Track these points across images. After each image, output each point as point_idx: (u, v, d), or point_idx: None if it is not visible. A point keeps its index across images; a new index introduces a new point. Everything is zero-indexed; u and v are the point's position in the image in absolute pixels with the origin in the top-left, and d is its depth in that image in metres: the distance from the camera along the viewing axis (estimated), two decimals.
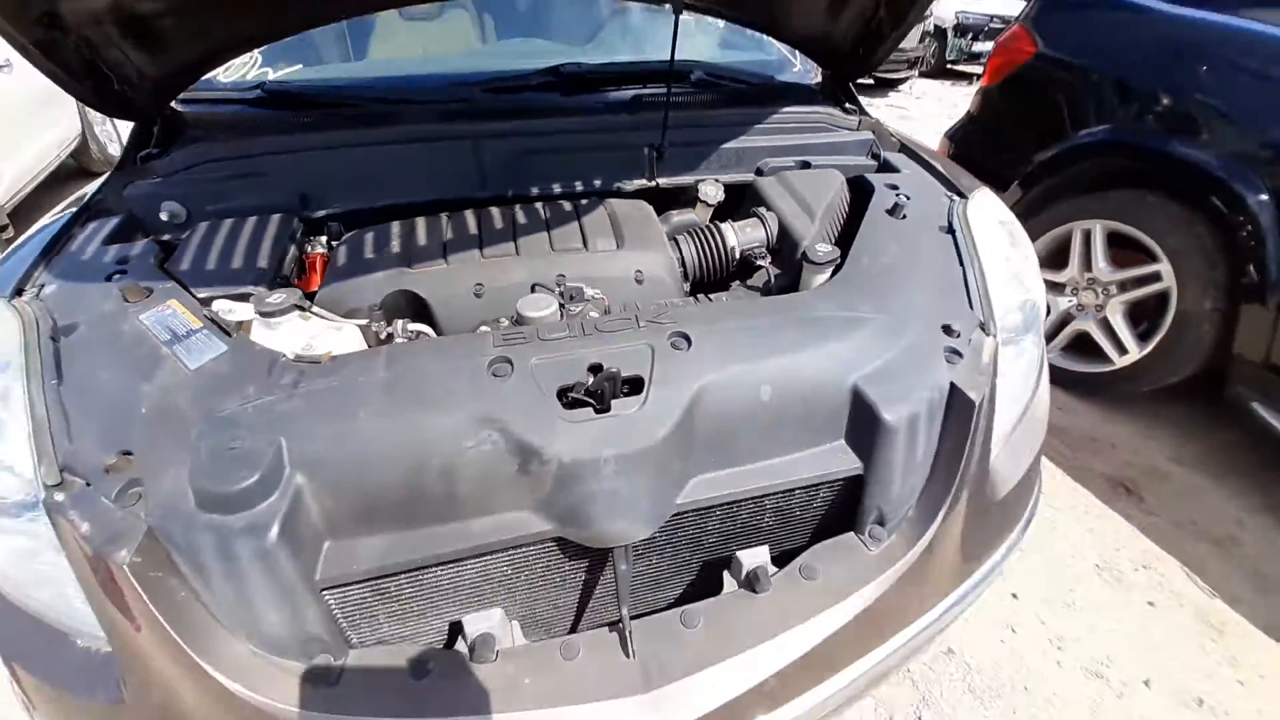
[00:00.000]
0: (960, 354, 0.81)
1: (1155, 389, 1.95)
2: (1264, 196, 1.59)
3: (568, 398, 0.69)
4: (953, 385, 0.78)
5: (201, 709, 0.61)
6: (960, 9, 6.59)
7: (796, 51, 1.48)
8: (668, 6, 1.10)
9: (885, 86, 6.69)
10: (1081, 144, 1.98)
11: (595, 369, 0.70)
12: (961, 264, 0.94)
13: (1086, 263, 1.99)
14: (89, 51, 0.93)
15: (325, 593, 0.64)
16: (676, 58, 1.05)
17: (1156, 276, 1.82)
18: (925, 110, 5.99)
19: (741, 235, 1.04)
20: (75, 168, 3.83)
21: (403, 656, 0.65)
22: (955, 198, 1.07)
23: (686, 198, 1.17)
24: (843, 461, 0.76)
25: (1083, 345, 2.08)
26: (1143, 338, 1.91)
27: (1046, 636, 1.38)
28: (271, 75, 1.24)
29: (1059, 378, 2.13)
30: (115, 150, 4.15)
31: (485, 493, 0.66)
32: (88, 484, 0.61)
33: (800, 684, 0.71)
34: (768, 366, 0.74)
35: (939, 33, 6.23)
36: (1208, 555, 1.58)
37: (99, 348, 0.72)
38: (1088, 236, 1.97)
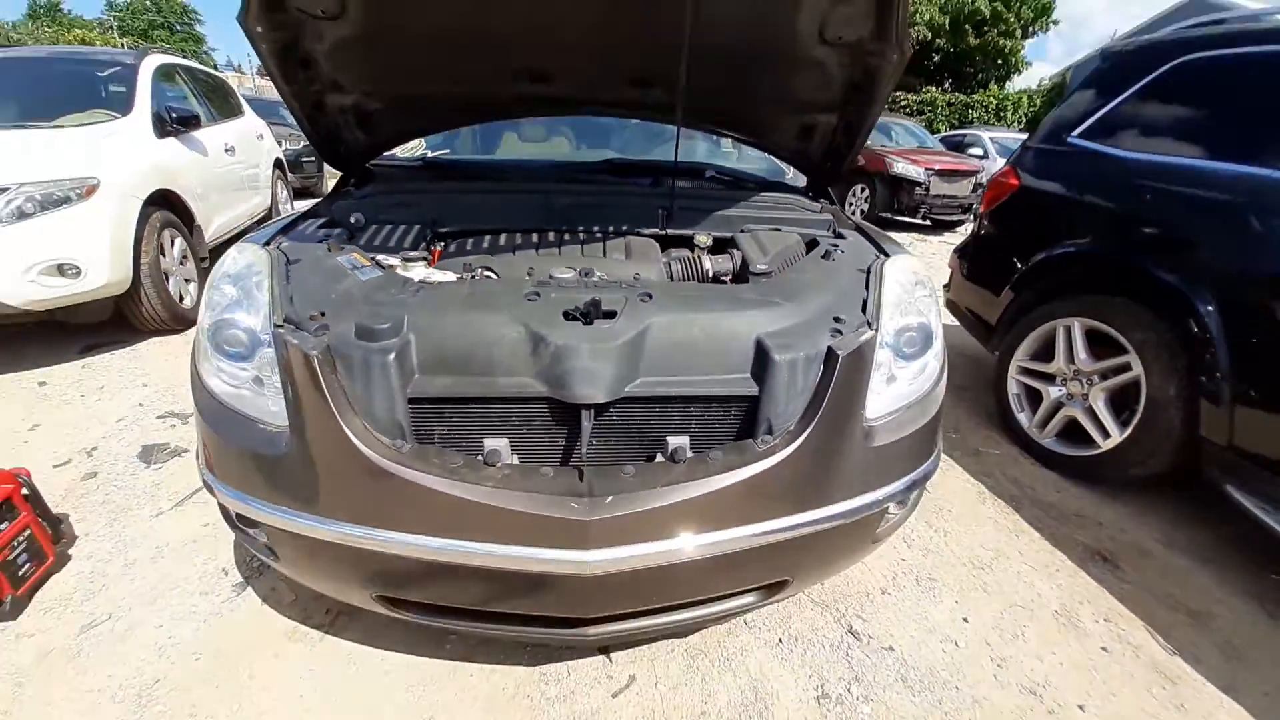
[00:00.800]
0: (840, 332, 1.16)
1: (1145, 475, 2.06)
2: (1210, 306, 1.83)
3: (568, 314, 1.12)
4: (828, 347, 1.13)
5: (331, 453, 1.02)
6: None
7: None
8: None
9: (941, 228, 7.28)
10: (1055, 255, 2.31)
11: (589, 302, 1.13)
12: (866, 289, 1.31)
13: (1070, 355, 2.23)
14: (333, 127, 1.61)
15: (410, 404, 1.07)
16: (700, 160, 1.60)
17: (1127, 366, 2.03)
18: None
19: (715, 264, 1.49)
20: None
21: (443, 453, 1.05)
22: (886, 254, 1.47)
23: (689, 244, 1.65)
24: (745, 386, 1.11)
25: (1074, 432, 2.24)
26: (1125, 424, 2.06)
27: (990, 655, 1.49)
28: (430, 154, 1.93)
29: (1053, 461, 2.27)
30: None
31: (510, 362, 1.08)
32: (297, 326, 1.11)
33: (700, 523, 1.01)
34: (700, 318, 1.14)
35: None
36: (1177, 623, 1.61)
37: (311, 269, 1.26)
38: (1069, 332, 2.23)
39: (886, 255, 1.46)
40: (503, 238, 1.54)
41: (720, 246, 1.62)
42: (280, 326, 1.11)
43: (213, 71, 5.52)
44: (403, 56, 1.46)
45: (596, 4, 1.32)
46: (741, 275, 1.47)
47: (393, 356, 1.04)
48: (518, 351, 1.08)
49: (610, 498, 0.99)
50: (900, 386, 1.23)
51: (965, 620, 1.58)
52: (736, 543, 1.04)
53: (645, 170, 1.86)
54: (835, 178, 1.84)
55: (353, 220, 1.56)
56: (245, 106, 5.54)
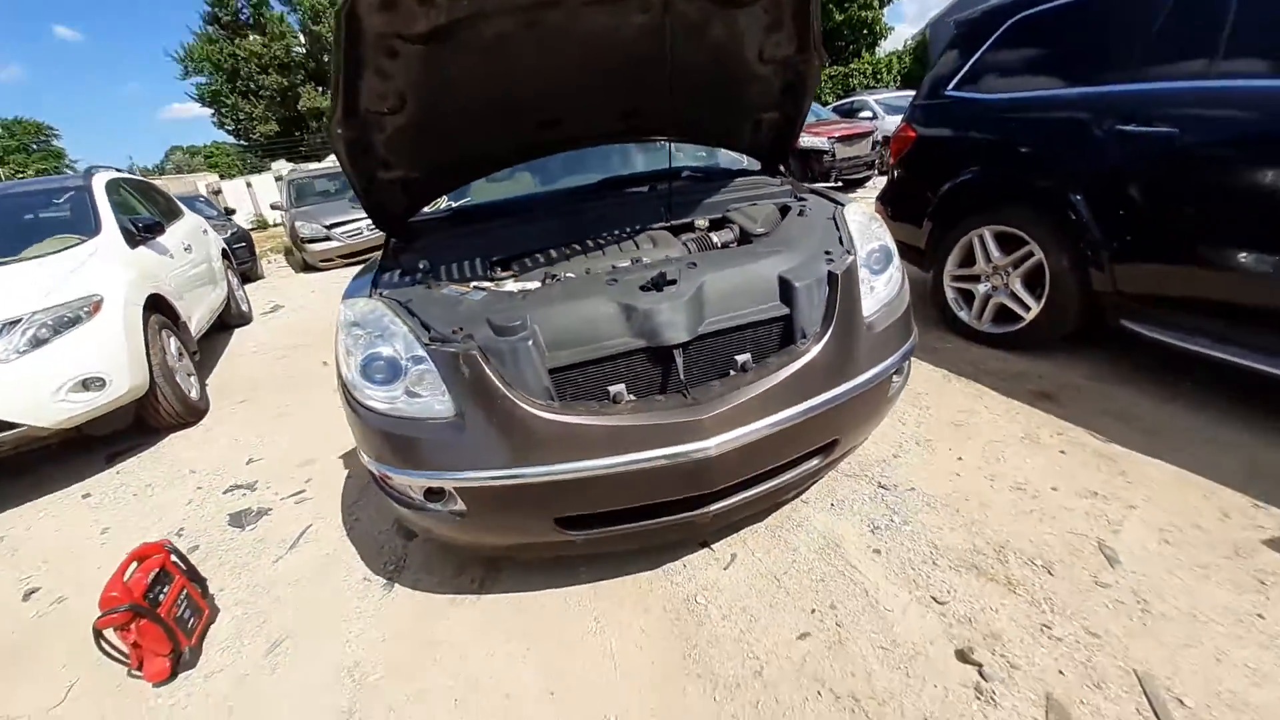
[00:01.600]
0: (832, 260, 1.61)
1: (1062, 333, 2.62)
2: (1078, 196, 2.40)
3: (643, 287, 1.51)
4: (829, 271, 1.57)
5: (507, 419, 1.36)
6: (886, 132, 8.43)
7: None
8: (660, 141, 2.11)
9: (852, 185, 8.08)
10: (957, 183, 2.88)
11: (655, 276, 1.53)
12: (837, 229, 1.77)
13: (987, 256, 2.79)
14: (383, 197, 1.93)
15: (551, 374, 1.42)
16: (675, 165, 2.01)
17: (1031, 253, 2.60)
18: None
19: (720, 236, 1.92)
20: (219, 323, 5.14)
21: (580, 402, 1.41)
22: (840, 205, 1.93)
23: (692, 228, 2.07)
24: (778, 310, 1.53)
25: (1003, 314, 2.80)
26: (1039, 298, 2.63)
27: (983, 475, 1.97)
28: (453, 205, 2.28)
29: (994, 341, 2.83)
30: (245, 308, 5.84)
31: (611, 329, 1.45)
32: (445, 341, 1.44)
33: (761, 410, 1.41)
34: (735, 270, 1.55)
35: (885, 140, 7.72)
36: (1108, 425, 2.15)
37: (427, 303, 1.59)
38: (982, 239, 2.79)
39: (841, 204, 1.93)
40: (552, 251, 1.91)
41: (718, 224, 2.05)
42: (430, 344, 1.45)
43: (144, 179, 5.59)
44: (442, 132, 1.81)
45: (594, 58, 1.73)
46: (745, 239, 1.90)
47: (530, 342, 1.40)
48: (615, 320, 1.46)
49: (710, 401, 1.38)
50: (880, 291, 1.69)
51: (960, 459, 2.06)
52: (797, 415, 1.45)
53: (634, 181, 2.28)
54: (784, 157, 2.31)
55: (422, 266, 1.88)
56: (181, 206, 5.63)
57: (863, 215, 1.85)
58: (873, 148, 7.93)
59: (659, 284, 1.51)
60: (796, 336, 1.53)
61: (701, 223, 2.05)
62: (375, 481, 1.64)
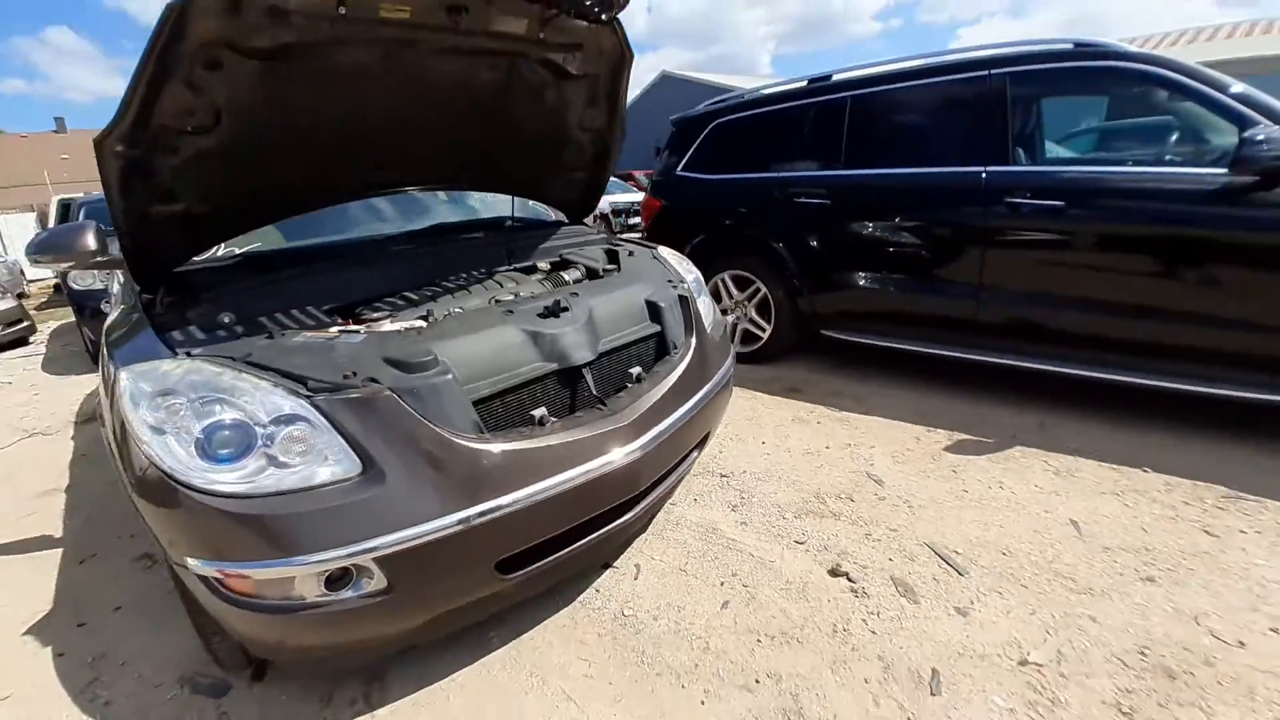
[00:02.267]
0: (675, 287, 1.95)
1: (790, 345, 3.55)
2: (781, 245, 3.35)
3: (540, 315, 1.57)
4: (680, 295, 1.90)
5: (440, 459, 1.23)
6: (612, 201, 9.91)
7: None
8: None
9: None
10: (696, 242, 3.68)
11: (550, 304, 1.60)
12: (662, 265, 2.14)
13: (729, 294, 3.61)
14: (153, 238, 1.53)
15: (474, 405, 1.35)
16: (489, 215, 2.11)
17: (759, 289, 3.49)
18: None
19: (570, 274, 2.09)
20: None
21: (510, 430, 1.38)
22: (655, 249, 2.33)
23: (537, 269, 2.18)
24: (652, 328, 1.78)
25: (748, 337, 3.64)
26: (769, 322, 3.52)
27: (782, 449, 2.54)
28: (237, 251, 1.88)
29: (744, 358, 3.63)
30: None
31: (523, 355, 1.47)
32: (334, 389, 1.24)
33: (665, 411, 1.62)
34: (613, 296, 1.75)
35: (604, 216, 9.12)
36: (837, 400, 3.02)
37: (281, 352, 1.33)
38: (723, 281, 3.61)
39: (654, 248, 2.33)
40: (410, 294, 1.77)
41: (561, 265, 2.20)
42: (313, 395, 1.23)
43: None
44: (256, 161, 1.55)
45: (441, 105, 1.75)
46: (593, 276, 2.10)
47: (450, 375, 1.32)
48: (525, 347, 1.49)
49: (625, 410, 1.53)
50: (705, 310, 2.10)
51: (762, 443, 2.61)
52: (688, 412, 1.69)
53: (467, 228, 2.28)
54: (588, 212, 2.63)
55: (224, 320, 1.52)
56: None
57: (676, 255, 2.27)
58: (594, 221, 9.27)
59: (555, 311, 1.60)
60: (670, 348, 1.80)
61: (544, 265, 2.19)
62: (219, 593, 1.22)
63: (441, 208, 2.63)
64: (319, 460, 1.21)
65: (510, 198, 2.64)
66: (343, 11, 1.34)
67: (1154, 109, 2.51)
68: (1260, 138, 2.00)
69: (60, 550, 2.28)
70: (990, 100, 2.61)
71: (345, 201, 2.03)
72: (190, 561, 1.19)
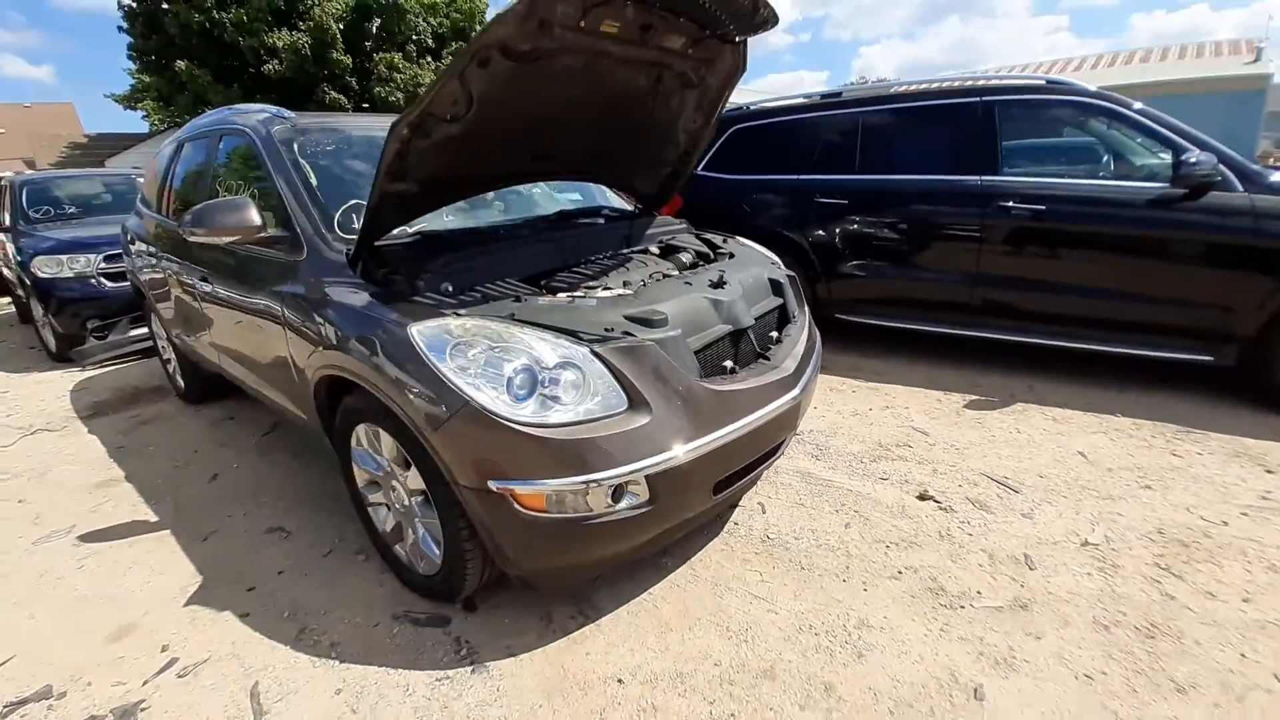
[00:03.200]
0: (780, 268, 2.31)
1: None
2: (804, 240, 3.80)
3: (711, 285, 1.87)
4: (789, 275, 2.26)
5: (689, 398, 1.50)
6: None
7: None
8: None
9: None
10: None
11: (716, 279, 1.91)
12: (758, 252, 2.49)
13: None
14: (384, 215, 1.69)
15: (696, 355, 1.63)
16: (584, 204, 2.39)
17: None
18: None
19: (686, 257, 2.39)
20: None
21: (713, 377, 1.68)
22: (736, 238, 2.67)
23: (669, 252, 2.44)
24: (777, 300, 2.13)
25: None
26: None
27: (834, 411, 2.97)
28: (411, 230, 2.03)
29: None
30: None
31: (711, 318, 1.76)
32: (603, 341, 1.48)
33: (804, 365, 1.98)
34: (749, 273, 2.08)
35: None
36: (863, 374, 3.50)
37: (538, 312, 1.55)
38: None
39: (734, 237, 2.68)
40: (581, 270, 2.00)
41: (671, 249, 2.49)
42: (591, 344, 1.47)
43: None
44: (470, 148, 1.72)
45: (598, 105, 2.00)
46: (707, 260, 2.41)
47: (680, 331, 1.61)
48: (710, 311, 1.79)
49: (784, 363, 1.87)
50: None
51: (815, 407, 3.03)
52: (816, 366, 2.07)
53: (582, 215, 2.51)
54: (664, 204, 2.93)
55: (447, 288, 1.71)
56: None
57: (756, 244, 2.63)
58: None
59: (719, 283, 1.92)
60: (790, 317, 2.16)
61: (654, 249, 2.47)
62: (511, 512, 1.43)
63: (539, 196, 2.83)
64: (595, 397, 1.46)
65: (596, 188, 2.91)
66: (582, 25, 1.59)
67: (1102, 134, 3.19)
68: (1194, 160, 2.67)
69: (166, 532, 2.27)
70: (982, 121, 3.20)
71: (503, 187, 2.22)
72: (492, 483, 1.40)
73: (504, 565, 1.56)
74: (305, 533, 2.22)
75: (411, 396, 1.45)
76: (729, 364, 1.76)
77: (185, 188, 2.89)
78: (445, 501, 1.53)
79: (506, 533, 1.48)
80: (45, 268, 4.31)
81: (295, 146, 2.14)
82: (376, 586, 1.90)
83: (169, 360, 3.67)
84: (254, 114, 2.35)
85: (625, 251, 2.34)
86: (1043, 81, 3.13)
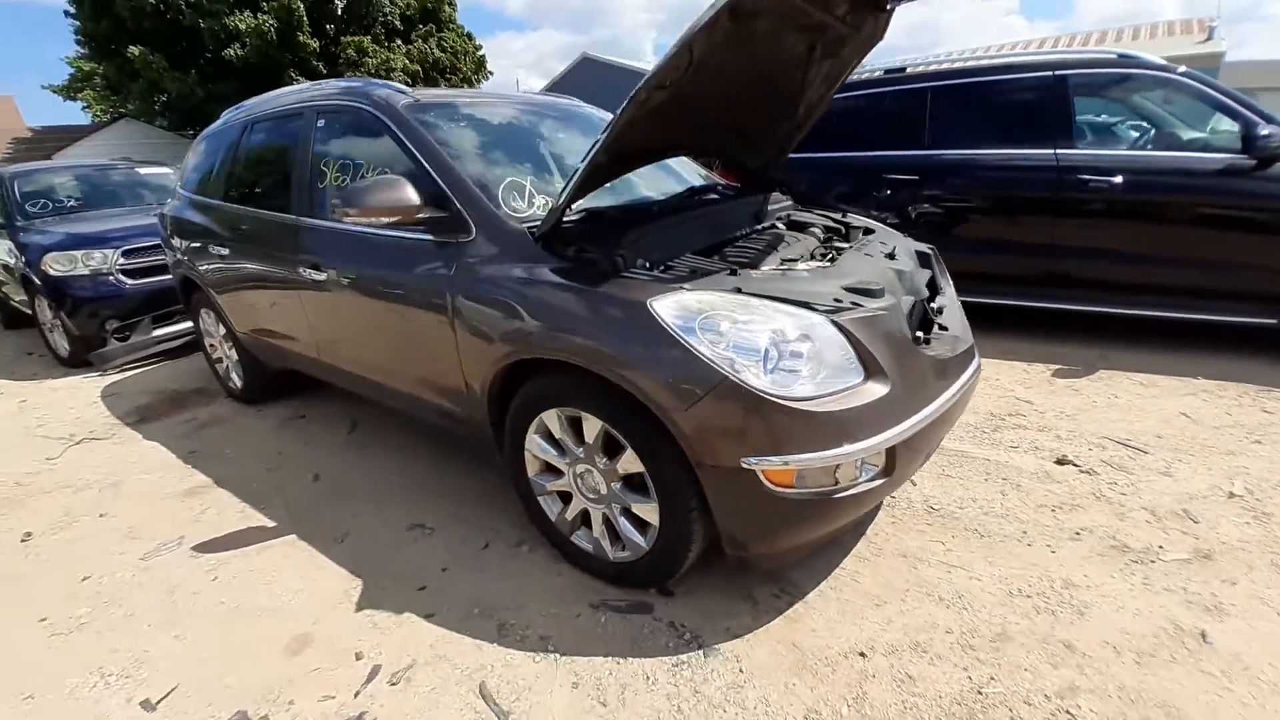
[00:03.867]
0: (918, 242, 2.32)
1: None
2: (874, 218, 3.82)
3: (888, 256, 1.86)
4: (930, 248, 2.27)
5: (912, 367, 1.49)
6: None
7: None
8: None
9: None
10: None
11: (890, 250, 1.89)
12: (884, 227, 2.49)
13: None
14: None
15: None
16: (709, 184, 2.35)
17: None
18: None
19: (820, 233, 2.37)
20: None
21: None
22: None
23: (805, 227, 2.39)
24: (927, 273, 2.14)
25: None
26: None
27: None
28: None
29: None
30: None
31: (898, 289, 1.75)
32: (835, 312, 1.46)
33: (969, 335, 2.01)
34: (905, 247, 2.08)
35: None
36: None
37: (764, 283, 1.51)
38: None
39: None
40: (746, 245, 1.95)
41: (799, 225, 2.45)
42: (834, 315, 1.44)
43: None
44: (662, 118, 1.63)
45: (766, 75, 1.94)
46: (839, 234, 2.38)
47: (895, 300, 1.59)
48: (896, 283, 1.78)
49: (962, 334, 1.88)
50: None
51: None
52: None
53: (708, 190, 2.45)
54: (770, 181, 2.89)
55: (644, 264, 1.64)
56: None
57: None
58: None
59: (892, 255, 1.91)
60: (940, 286, 2.17)
61: (780, 224, 2.44)
62: (758, 489, 1.39)
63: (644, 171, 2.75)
64: (831, 368, 1.43)
65: (680, 162, 2.84)
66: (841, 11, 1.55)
67: (1171, 106, 3.31)
68: (1267, 133, 2.79)
69: (292, 536, 2.14)
70: (1056, 94, 3.27)
71: (656, 161, 2.14)
72: (747, 460, 1.36)
73: (732, 547, 1.52)
74: (449, 528, 2.12)
75: (652, 375, 1.38)
76: (920, 334, 1.75)
77: (264, 171, 2.69)
78: (673, 483, 1.48)
79: (748, 512, 1.44)
80: (57, 265, 3.97)
81: (433, 123, 2.01)
82: (555, 576, 1.84)
83: (219, 360, 3.45)
84: (368, 89, 2.19)
85: (764, 226, 2.30)
86: (1114, 55, 3.21)
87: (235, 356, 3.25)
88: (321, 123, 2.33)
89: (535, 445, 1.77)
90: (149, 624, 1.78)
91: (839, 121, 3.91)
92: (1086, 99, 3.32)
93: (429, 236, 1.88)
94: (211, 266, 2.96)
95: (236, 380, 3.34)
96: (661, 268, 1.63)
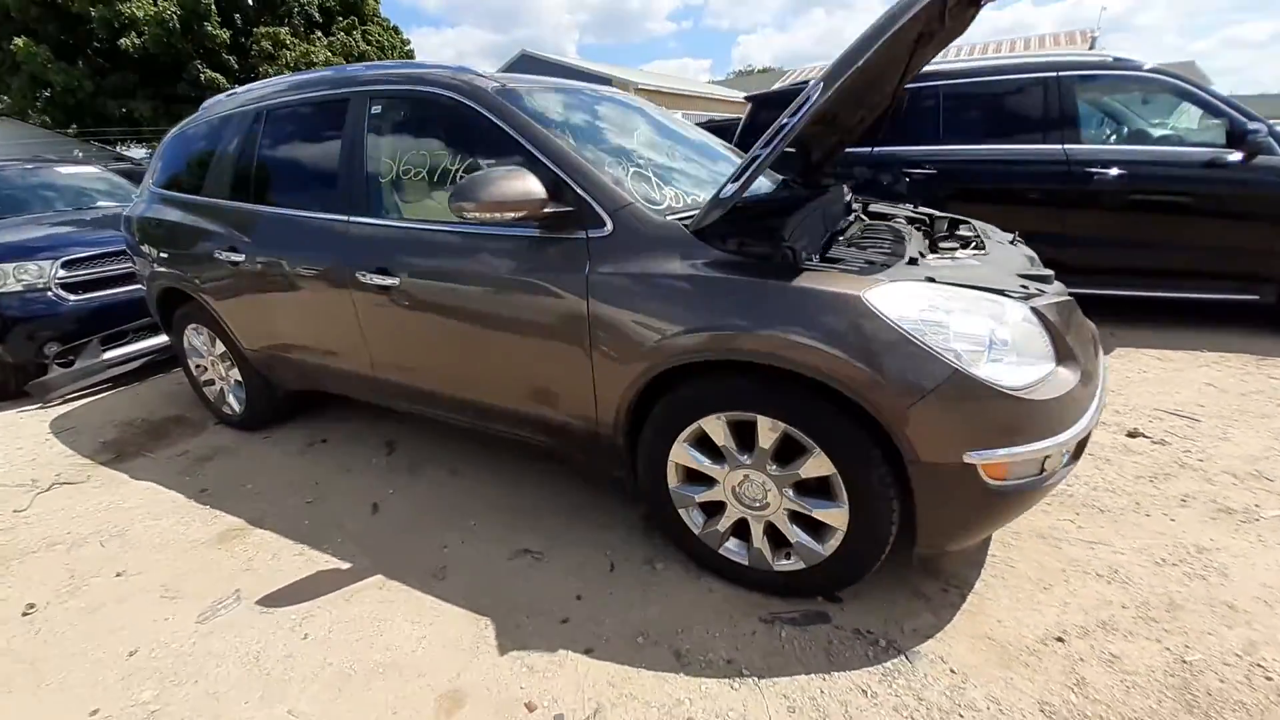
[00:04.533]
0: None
1: None
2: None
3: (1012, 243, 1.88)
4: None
5: (1084, 354, 1.50)
6: None
7: None
8: None
9: None
10: None
11: (1012, 241, 1.91)
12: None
13: None
14: None
15: None
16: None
17: None
18: None
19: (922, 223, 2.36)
20: None
21: None
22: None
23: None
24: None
25: None
26: None
27: None
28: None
29: None
30: None
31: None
32: (1027, 296, 1.43)
33: None
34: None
35: None
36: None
37: (953, 271, 1.47)
38: None
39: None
40: (872, 235, 1.90)
41: (881, 215, 2.43)
42: (1033, 302, 1.41)
43: None
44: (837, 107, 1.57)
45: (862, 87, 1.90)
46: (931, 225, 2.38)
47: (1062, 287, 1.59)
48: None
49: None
50: None
51: None
52: None
53: (792, 183, 2.38)
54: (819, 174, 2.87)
55: (812, 256, 1.55)
56: None
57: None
58: None
59: (1014, 243, 1.93)
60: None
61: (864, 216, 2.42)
62: (974, 484, 1.34)
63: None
64: (1035, 356, 1.41)
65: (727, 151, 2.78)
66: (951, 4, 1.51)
67: (1164, 105, 3.61)
68: (1254, 128, 3.10)
69: (378, 577, 1.89)
70: (1062, 93, 3.48)
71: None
72: (972, 455, 1.31)
73: (929, 545, 1.47)
74: (558, 551, 1.94)
75: (870, 370, 1.30)
76: None
77: (293, 166, 2.36)
78: (873, 484, 1.40)
79: (958, 509, 1.39)
80: None
81: (532, 108, 1.82)
82: (706, 593, 1.71)
83: (209, 383, 3.01)
84: (441, 73, 1.95)
85: (853, 217, 2.27)
86: (1111, 59, 3.46)
87: (236, 377, 2.85)
88: (377, 109, 2.05)
89: (684, 454, 1.64)
90: (246, 701, 1.49)
91: None
92: (1089, 98, 3.55)
93: (544, 232, 1.70)
94: (213, 276, 2.57)
95: (234, 405, 2.93)
96: (826, 258, 1.55)
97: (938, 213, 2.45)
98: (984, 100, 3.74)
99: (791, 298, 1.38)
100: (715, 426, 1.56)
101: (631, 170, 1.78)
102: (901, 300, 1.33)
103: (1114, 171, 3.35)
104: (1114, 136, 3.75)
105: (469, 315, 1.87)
